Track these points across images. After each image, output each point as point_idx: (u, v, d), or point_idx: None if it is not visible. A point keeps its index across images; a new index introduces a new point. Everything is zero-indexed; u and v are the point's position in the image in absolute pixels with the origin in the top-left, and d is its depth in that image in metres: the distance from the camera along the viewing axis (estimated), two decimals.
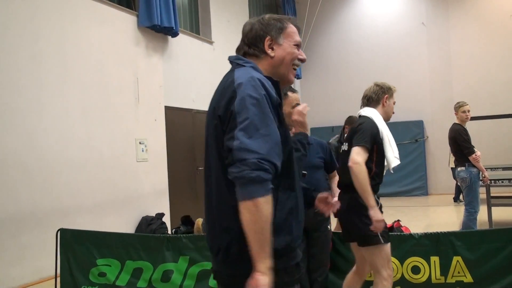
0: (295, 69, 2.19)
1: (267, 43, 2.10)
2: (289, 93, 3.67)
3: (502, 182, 8.27)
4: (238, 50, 2.19)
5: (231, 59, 2.15)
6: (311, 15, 14.99)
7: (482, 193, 8.93)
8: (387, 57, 14.98)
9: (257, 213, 1.72)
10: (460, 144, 6.86)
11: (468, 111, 7.09)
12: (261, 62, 2.11)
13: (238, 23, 12.31)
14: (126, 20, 8.62)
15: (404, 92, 13.72)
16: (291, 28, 2.17)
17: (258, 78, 1.91)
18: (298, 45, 2.17)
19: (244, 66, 2.06)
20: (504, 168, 11.04)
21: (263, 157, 1.75)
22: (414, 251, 4.19)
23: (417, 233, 4.32)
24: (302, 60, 2.18)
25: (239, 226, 1.78)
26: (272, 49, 2.11)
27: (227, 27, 11.84)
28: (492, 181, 8.10)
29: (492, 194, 8.32)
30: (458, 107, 7.13)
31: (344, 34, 15.53)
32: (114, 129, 8.12)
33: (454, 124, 7.07)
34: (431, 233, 4.25)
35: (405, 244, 4.25)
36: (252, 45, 2.13)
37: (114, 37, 8.28)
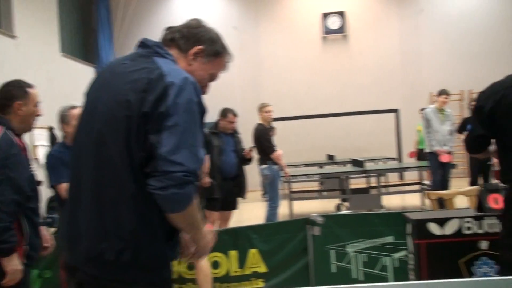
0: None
1: (196, 49, 1.98)
2: (30, 90, 3.00)
3: (301, 177, 9.02)
4: (168, 31, 2.02)
5: (149, 43, 1.96)
6: (126, 14, 14.76)
7: (285, 188, 9.64)
8: None
9: (190, 218, 1.81)
10: (263, 143, 7.33)
11: (271, 111, 7.60)
12: (178, 60, 1.96)
13: (45, 17, 11.60)
14: None
15: (215, 94, 14.23)
16: (223, 61, 2.09)
17: (193, 82, 1.81)
18: (213, 78, 2.08)
19: (165, 57, 1.91)
20: (306, 165, 12.07)
21: (188, 170, 1.70)
22: (214, 247, 4.37)
23: (217, 229, 4.54)
24: None
25: (138, 233, 1.76)
26: (195, 59, 1.99)
27: (34, 21, 11.08)
28: (293, 177, 8.81)
29: (293, 189, 9.02)
30: (262, 107, 7.60)
31: (157, 37, 15.53)
32: None
33: (258, 124, 7.52)
34: (230, 229, 4.51)
35: None
36: (185, 38, 1.98)
37: None
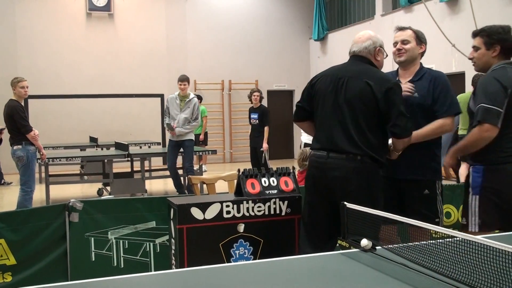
0: None
1: None
2: None
3: (60, 160, 8.48)
4: None
5: None
6: None
7: (42, 172, 8.93)
8: None
9: None
10: (17, 121, 6.67)
11: (27, 87, 6.95)
12: None
13: None
14: None
15: None
16: None
17: None
18: None
19: None
20: (66, 147, 11.39)
21: None
22: None
23: None
24: None
25: None
26: None
27: None
28: (51, 160, 8.21)
29: (51, 173, 8.42)
30: (17, 82, 6.91)
31: None
32: None
33: (11, 100, 6.83)
34: None
35: None
36: None
37: None
